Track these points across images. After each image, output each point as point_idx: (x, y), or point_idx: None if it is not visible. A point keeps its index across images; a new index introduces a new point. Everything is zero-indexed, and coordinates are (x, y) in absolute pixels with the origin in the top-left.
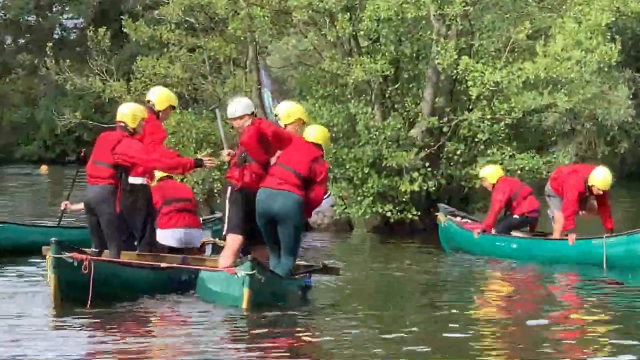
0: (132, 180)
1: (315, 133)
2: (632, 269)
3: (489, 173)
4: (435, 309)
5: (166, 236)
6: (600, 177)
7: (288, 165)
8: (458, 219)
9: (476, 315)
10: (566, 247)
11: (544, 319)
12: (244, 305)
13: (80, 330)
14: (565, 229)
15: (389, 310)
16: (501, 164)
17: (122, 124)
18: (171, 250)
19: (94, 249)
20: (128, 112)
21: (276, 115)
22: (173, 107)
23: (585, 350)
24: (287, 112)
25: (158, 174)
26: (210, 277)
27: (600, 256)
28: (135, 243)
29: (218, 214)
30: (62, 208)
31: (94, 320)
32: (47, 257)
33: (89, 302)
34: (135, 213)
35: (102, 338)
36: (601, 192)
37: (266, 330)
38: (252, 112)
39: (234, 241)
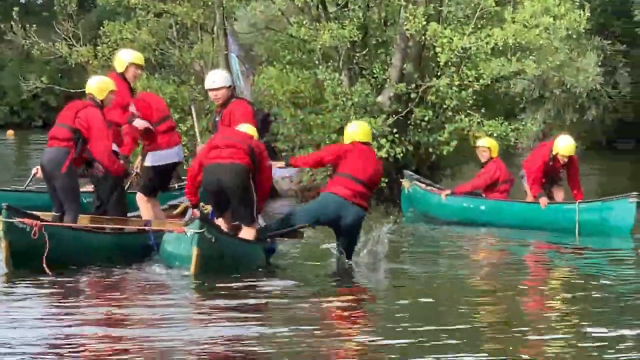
0: None
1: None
2: (604, 236)
3: (494, 146)
4: (397, 274)
5: (172, 154)
6: (563, 144)
7: (358, 178)
8: (423, 185)
9: (436, 280)
10: (538, 210)
11: (511, 289)
12: (192, 267)
13: (33, 298)
14: (535, 195)
15: (349, 276)
16: (469, 130)
17: (91, 96)
18: (176, 165)
19: (54, 213)
20: (95, 85)
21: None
22: (139, 67)
23: (551, 323)
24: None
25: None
26: (167, 239)
27: (572, 221)
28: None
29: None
30: (33, 172)
31: (49, 289)
32: None
33: (45, 267)
34: (101, 182)
35: (57, 306)
36: (566, 159)
37: (224, 298)
38: (230, 86)
39: None
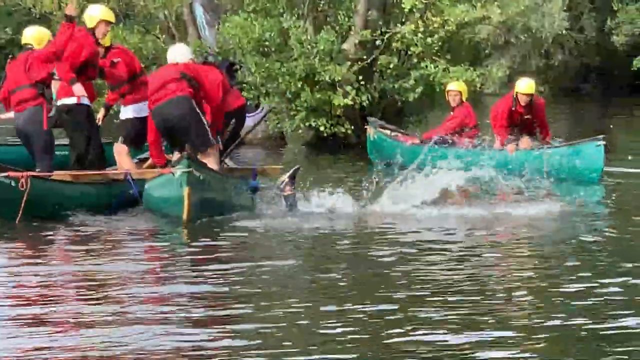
0: (66, 100)
1: None
2: (572, 180)
3: (464, 90)
4: (366, 225)
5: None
6: (522, 84)
7: None
8: (388, 132)
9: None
10: (506, 157)
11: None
12: (184, 210)
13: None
14: (502, 142)
15: (324, 226)
16: (435, 77)
17: (29, 46)
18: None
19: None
20: (33, 34)
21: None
22: (108, 23)
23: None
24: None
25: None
26: (152, 185)
27: (540, 167)
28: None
29: None
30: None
31: (28, 242)
32: None
33: (18, 219)
34: (76, 133)
35: (34, 263)
36: (527, 99)
37: (217, 248)
38: (191, 59)
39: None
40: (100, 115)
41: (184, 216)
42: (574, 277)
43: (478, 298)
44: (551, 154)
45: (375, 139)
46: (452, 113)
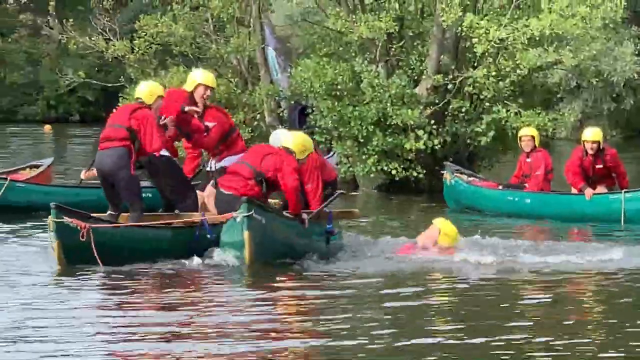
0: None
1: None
2: None
3: (537, 134)
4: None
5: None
6: (588, 132)
7: None
8: (465, 177)
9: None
10: (583, 202)
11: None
12: (246, 253)
13: (87, 294)
14: (578, 188)
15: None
16: (506, 121)
17: (140, 100)
18: None
19: (111, 212)
20: (145, 90)
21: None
22: (208, 88)
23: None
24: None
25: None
26: (223, 229)
27: (618, 211)
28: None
29: None
30: (82, 177)
31: (104, 286)
32: (49, 221)
33: (101, 264)
34: (161, 181)
35: (113, 303)
36: (595, 146)
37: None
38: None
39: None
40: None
41: (247, 259)
42: None
43: None
44: (629, 198)
45: (452, 183)
46: (528, 160)
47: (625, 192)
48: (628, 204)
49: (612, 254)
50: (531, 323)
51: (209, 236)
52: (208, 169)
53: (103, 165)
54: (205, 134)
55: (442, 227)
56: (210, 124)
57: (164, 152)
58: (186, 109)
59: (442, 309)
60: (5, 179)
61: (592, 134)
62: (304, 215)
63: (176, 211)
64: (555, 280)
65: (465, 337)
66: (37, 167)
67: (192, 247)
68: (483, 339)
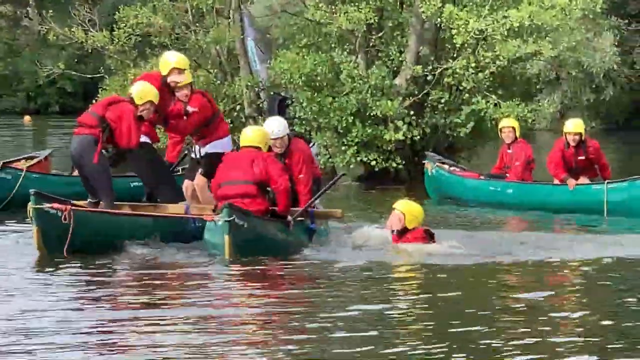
0: None
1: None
2: (632, 216)
3: (517, 125)
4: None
5: (228, 142)
6: (570, 123)
7: None
8: (446, 167)
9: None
10: (566, 192)
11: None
12: (226, 254)
13: (63, 285)
14: (559, 178)
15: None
16: (486, 112)
17: (131, 97)
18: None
19: (90, 200)
20: (138, 90)
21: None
22: (182, 70)
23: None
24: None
25: None
26: (206, 226)
27: (601, 202)
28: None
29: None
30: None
31: (83, 275)
32: (29, 208)
33: (65, 251)
34: (143, 169)
35: (89, 292)
36: (577, 137)
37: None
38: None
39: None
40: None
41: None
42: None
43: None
44: (612, 189)
45: (433, 174)
46: (509, 151)
47: (607, 182)
48: (611, 195)
49: (595, 244)
50: (515, 314)
51: (192, 227)
52: (193, 155)
53: (72, 151)
54: (185, 117)
55: (405, 209)
56: (191, 109)
57: (144, 139)
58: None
59: (420, 298)
60: (21, 170)
61: (573, 125)
62: (289, 218)
63: (158, 200)
64: (538, 271)
65: (439, 321)
66: (32, 158)
67: (176, 237)
68: (467, 328)
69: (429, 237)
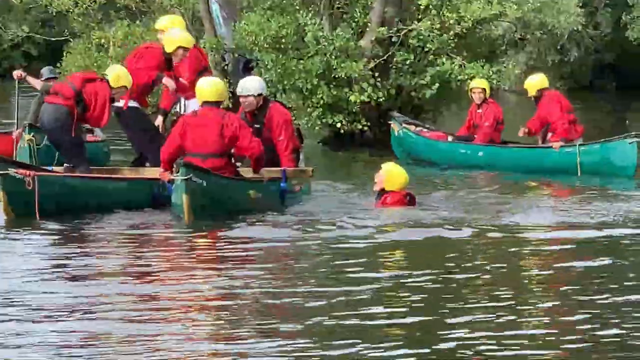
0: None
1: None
2: (605, 176)
3: (487, 86)
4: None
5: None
6: (528, 79)
7: None
8: (413, 127)
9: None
10: (537, 155)
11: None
12: (185, 215)
13: (32, 248)
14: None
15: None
16: (451, 73)
17: (106, 78)
18: None
19: (67, 165)
20: (113, 73)
21: None
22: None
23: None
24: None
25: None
26: (173, 187)
27: (573, 164)
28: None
29: None
30: (16, 77)
31: (52, 237)
32: None
33: (37, 215)
34: (133, 133)
35: (61, 254)
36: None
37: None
38: (260, 94)
39: None
40: (159, 122)
41: (186, 220)
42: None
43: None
44: (585, 151)
45: (400, 134)
46: (479, 111)
47: (580, 145)
48: (583, 157)
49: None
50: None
51: (168, 193)
52: (178, 109)
53: (44, 121)
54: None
55: (385, 170)
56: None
57: (132, 103)
58: (164, 80)
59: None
60: None
61: (539, 81)
62: (262, 172)
63: (147, 164)
64: (510, 235)
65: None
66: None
67: (145, 201)
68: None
69: (409, 201)
